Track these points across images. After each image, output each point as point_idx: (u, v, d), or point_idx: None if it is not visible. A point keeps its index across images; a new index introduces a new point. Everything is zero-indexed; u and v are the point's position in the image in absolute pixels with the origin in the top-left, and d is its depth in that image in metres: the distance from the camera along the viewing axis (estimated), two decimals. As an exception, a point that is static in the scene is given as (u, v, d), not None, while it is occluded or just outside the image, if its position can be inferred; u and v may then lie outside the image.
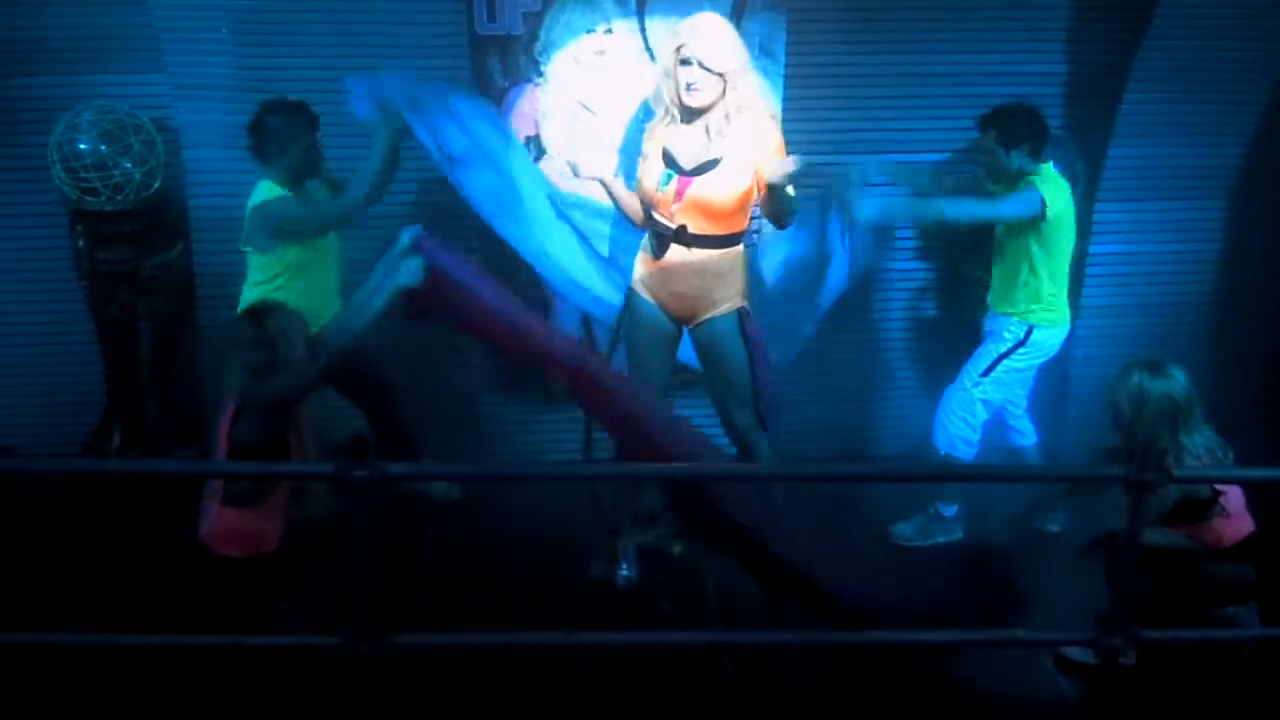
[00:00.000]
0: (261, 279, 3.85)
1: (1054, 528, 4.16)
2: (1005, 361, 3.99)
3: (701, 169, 3.47)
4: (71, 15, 4.20)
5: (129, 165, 4.17)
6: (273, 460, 3.10)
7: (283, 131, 3.77)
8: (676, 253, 3.56)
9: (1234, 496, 3.36)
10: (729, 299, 3.62)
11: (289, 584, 3.24)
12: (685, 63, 3.40)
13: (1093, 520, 3.45)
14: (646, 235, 3.68)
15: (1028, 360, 4.02)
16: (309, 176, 3.90)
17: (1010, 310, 3.99)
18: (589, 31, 4.26)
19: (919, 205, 4.05)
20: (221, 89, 4.24)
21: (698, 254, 3.55)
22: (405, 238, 3.20)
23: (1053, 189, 3.89)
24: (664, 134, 3.55)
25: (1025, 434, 4.25)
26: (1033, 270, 3.93)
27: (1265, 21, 4.36)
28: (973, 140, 4.05)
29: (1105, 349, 4.44)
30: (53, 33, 4.22)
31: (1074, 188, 4.39)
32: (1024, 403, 4.20)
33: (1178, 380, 3.31)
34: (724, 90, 3.42)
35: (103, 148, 4.14)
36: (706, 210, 3.51)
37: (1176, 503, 3.28)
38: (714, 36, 3.39)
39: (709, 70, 3.38)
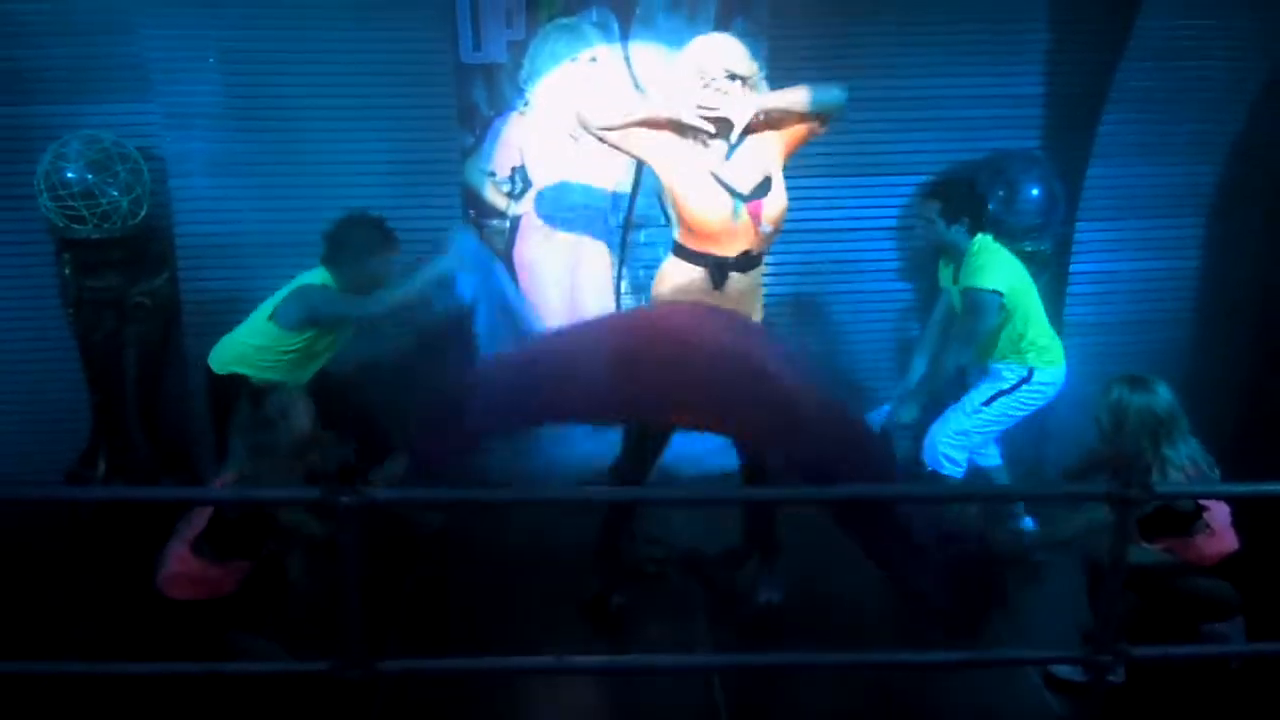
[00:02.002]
0: (258, 343, 3.87)
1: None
2: (1005, 398, 4.02)
3: (759, 191, 3.41)
4: (59, 45, 4.21)
5: (116, 194, 4.19)
6: (253, 541, 3.12)
7: (363, 247, 3.85)
8: (732, 280, 3.44)
9: (1219, 514, 3.37)
10: (755, 313, 3.57)
11: (250, 621, 3.21)
12: (712, 80, 3.31)
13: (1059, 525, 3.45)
14: (676, 267, 3.48)
15: (1030, 400, 4.04)
16: (368, 292, 3.94)
17: (1004, 359, 4.04)
18: (573, 60, 4.30)
19: (939, 385, 4.09)
20: (208, 118, 4.27)
21: (748, 276, 3.48)
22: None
23: (996, 263, 3.99)
24: (702, 159, 3.38)
25: (990, 455, 4.27)
26: (1008, 335, 4.00)
27: (1239, 43, 4.42)
28: (914, 205, 4.09)
29: (1086, 366, 4.47)
30: (40, 62, 4.24)
31: (1052, 209, 4.46)
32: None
33: (1160, 394, 3.33)
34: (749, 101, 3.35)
35: (90, 176, 4.16)
36: (772, 232, 3.48)
37: (1156, 511, 3.28)
38: (727, 48, 3.35)
39: (733, 76, 3.31)
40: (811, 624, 3.75)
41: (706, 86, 3.31)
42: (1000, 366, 4.04)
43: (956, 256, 4.07)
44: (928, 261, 4.61)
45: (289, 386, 3.27)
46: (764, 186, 3.42)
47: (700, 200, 3.36)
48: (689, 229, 3.41)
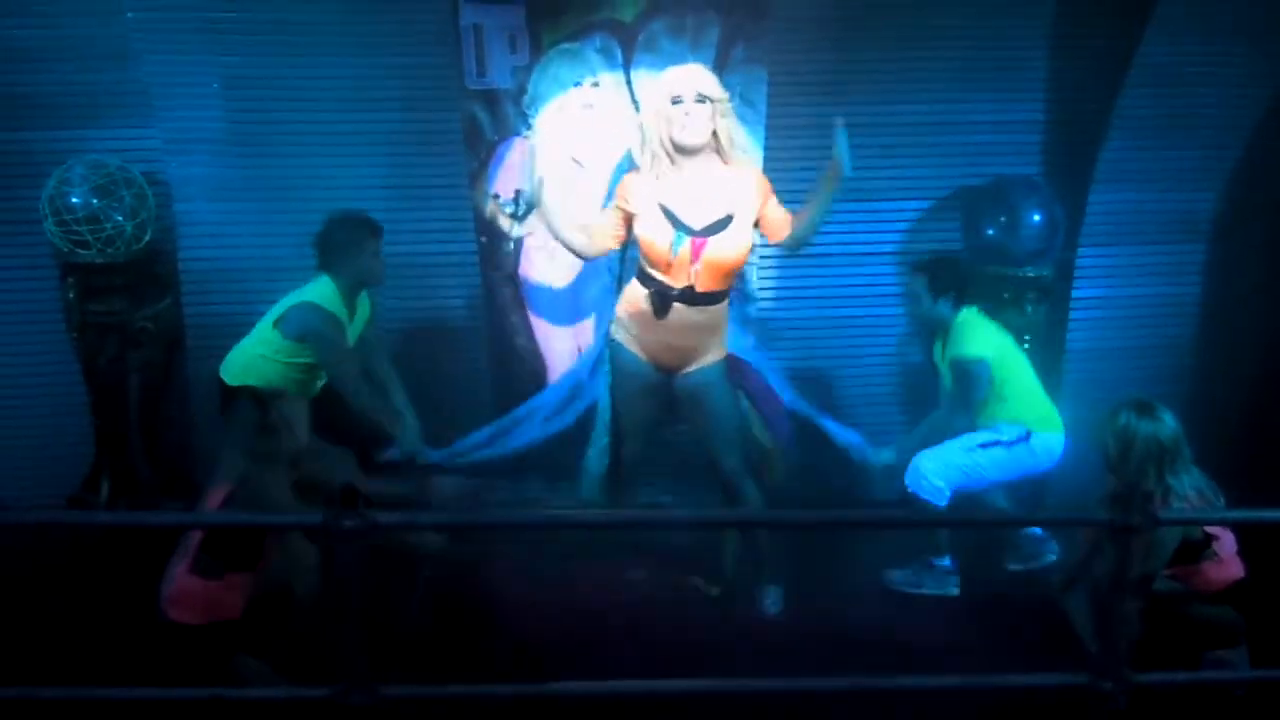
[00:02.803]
0: (264, 352, 3.87)
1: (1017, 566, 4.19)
2: (1001, 449, 3.99)
3: (714, 229, 3.50)
4: (63, 70, 4.25)
5: (120, 218, 4.21)
6: (252, 549, 3.11)
7: (349, 243, 3.88)
8: (677, 310, 3.57)
9: (1226, 541, 3.36)
10: (716, 348, 3.68)
11: (256, 646, 3.18)
12: (677, 101, 3.45)
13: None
14: (633, 289, 3.68)
15: (1023, 461, 4.01)
16: (371, 284, 4.01)
17: (1001, 421, 4.02)
18: (576, 85, 4.33)
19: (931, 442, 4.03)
20: (212, 143, 4.29)
21: (697, 310, 3.58)
22: None
23: (981, 332, 4.02)
24: (656, 189, 3.54)
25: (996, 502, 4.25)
26: (1002, 399, 4.00)
27: (1240, 69, 4.46)
28: (902, 279, 4.10)
29: (1087, 392, 4.48)
30: (45, 88, 4.27)
31: (1053, 235, 4.47)
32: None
33: (1165, 422, 3.33)
34: (714, 131, 3.49)
35: (95, 201, 4.18)
36: (719, 270, 3.55)
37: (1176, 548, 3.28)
38: (700, 73, 3.52)
39: (703, 98, 3.44)
40: (812, 637, 3.73)
41: (677, 102, 3.45)
42: (1001, 424, 4.02)
43: (944, 331, 4.09)
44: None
45: (292, 395, 3.30)
46: (720, 225, 3.49)
47: (644, 227, 3.54)
48: (641, 252, 3.61)
